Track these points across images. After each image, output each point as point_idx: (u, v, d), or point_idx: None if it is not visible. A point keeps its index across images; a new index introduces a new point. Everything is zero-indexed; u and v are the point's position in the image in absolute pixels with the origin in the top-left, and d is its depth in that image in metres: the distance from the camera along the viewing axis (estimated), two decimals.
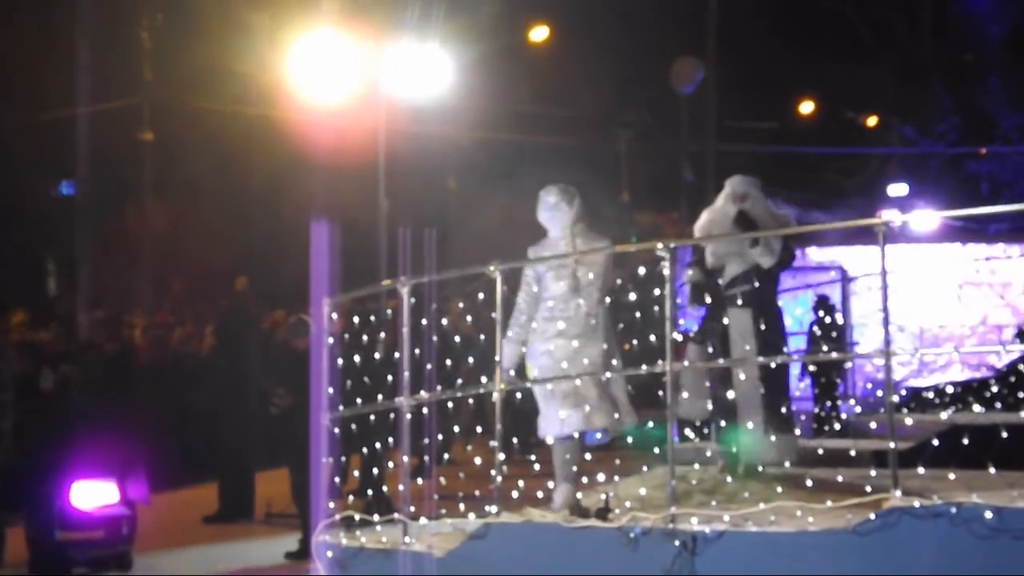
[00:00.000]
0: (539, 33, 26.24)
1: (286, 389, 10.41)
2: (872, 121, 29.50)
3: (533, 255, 7.05)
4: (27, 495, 10.18)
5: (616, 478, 7.51)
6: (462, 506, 7.02)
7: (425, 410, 7.17)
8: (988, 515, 5.80)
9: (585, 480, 7.10)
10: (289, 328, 10.92)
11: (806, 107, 30.51)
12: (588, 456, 7.32)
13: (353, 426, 9.12)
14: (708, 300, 7.83)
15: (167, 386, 14.62)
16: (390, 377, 7.33)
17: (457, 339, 8.31)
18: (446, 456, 12.89)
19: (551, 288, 6.89)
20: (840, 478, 7.44)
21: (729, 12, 24.02)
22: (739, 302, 7.73)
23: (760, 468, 7.76)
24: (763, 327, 7.63)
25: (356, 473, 11.96)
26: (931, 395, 12.75)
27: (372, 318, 9.40)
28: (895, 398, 6.44)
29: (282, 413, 10.54)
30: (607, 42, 26.05)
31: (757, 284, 7.65)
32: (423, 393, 7.07)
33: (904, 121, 27.78)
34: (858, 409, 12.74)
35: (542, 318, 6.88)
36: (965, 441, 6.93)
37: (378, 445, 9.10)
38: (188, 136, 23.24)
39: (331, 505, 7.47)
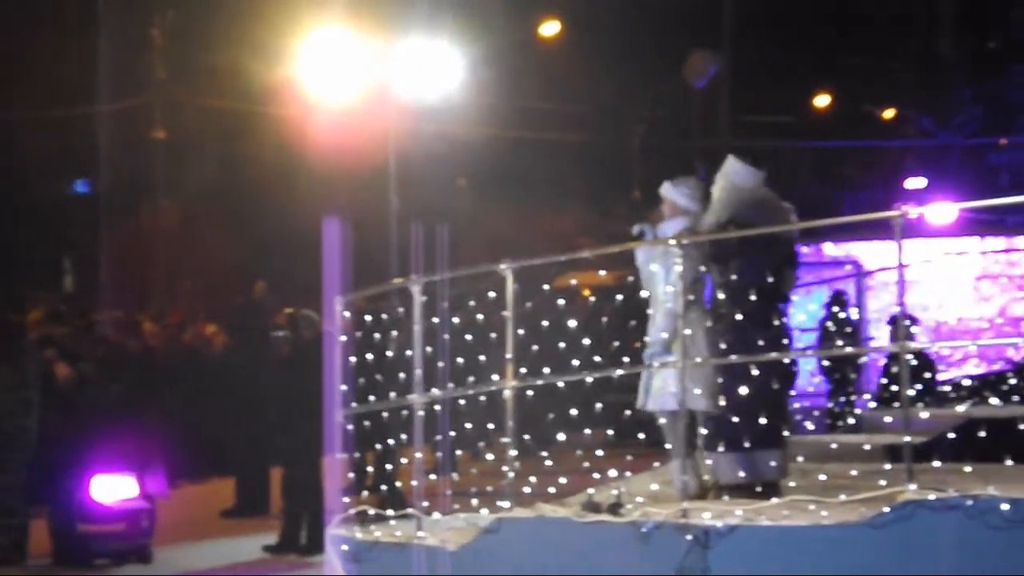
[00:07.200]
0: (549, 28, 26.17)
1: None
2: (889, 114, 29.33)
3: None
4: (49, 489, 10.33)
5: (628, 474, 7.50)
6: (475, 501, 7.03)
7: (438, 407, 7.19)
8: (1004, 507, 5.75)
9: (597, 476, 7.09)
10: (299, 320, 10.98)
11: (822, 100, 30.36)
12: (600, 452, 7.31)
13: (367, 423, 9.15)
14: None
15: (184, 382, 14.70)
16: (403, 375, 7.34)
17: (469, 337, 8.32)
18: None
19: None
20: (854, 472, 7.40)
21: (744, 4, 23.94)
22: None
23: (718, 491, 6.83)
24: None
25: (370, 469, 12.02)
26: (947, 389, 12.69)
27: (384, 316, 9.42)
28: (910, 392, 6.40)
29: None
30: (618, 36, 26.00)
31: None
32: (435, 391, 7.08)
33: (922, 113, 27.60)
34: (873, 404, 12.68)
35: None
36: (981, 434, 6.89)
37: (391, 441, 9.12)
38: (199, 134, 23.32)
39: (346, 500, 7.49)
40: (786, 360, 6.95)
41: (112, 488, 10.28)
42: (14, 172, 22.53)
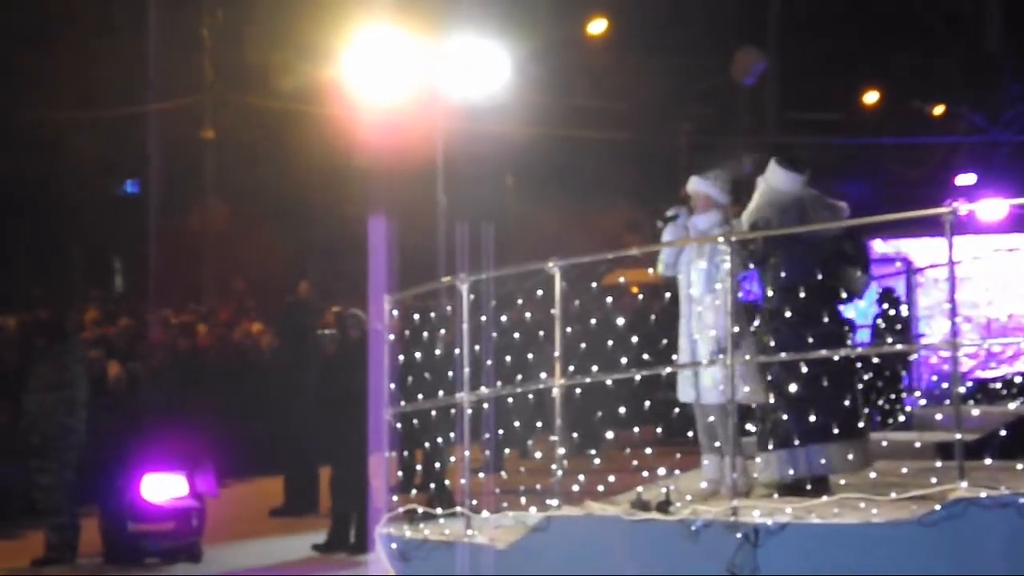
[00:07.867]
0: (597, 26, 26.15)
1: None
2: (938, 110, 29.05)
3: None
4: (100, 488, 10.43)
5: (677, 472, 7.48)
6: (523, 500, 7.04)
7: (486, 406, 7.21)
8: None
9: (645, 474, 7.08)
10: (346, 319, 11.02)
11: (870, 97, 30.10)
12: (648, 450, 7.30)
13: (415, 421, 9.20)
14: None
15: (233, 382, 14.83)
16: (450, 373, 7.37)
17: (517, 335, 8.33)
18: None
19: None
20: (905, 470, 7.34)
21: (792, 2, 23.75)
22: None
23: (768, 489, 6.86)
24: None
25: (418, 467, 12.06)
26: (999, 386, 12.53)
27: (432, 314, 9.46)
28: (961, 389, 6.34)
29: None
30: (666, 33, 25.91)
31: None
32: (483, 389, 7.10)
33: (972, 110, 27.32)
34: (923, 401, 12.56)
35: None
36: None
37: (439, 440, 9.15)
38: (248, 134, 23.50)
39: (394, 498, 7.52)
40: (838, 356, 6.89)
41: (162, 487, 10.35)
42: (64, 173, 22.80)
